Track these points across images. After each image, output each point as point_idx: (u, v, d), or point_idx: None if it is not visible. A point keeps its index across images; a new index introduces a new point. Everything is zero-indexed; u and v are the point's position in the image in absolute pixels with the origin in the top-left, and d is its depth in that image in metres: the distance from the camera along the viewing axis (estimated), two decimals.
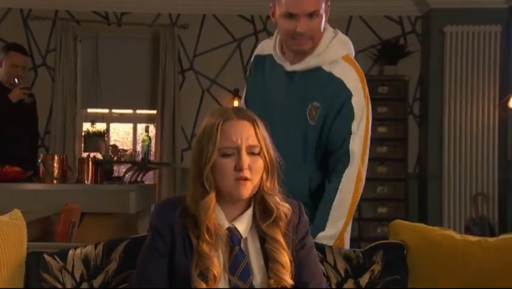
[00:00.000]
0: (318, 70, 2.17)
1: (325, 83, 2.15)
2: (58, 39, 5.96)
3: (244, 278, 1.57)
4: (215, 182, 1.56)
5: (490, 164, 5.75)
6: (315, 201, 2.15)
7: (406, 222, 2.02)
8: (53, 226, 3.21)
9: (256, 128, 1.58)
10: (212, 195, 1.56)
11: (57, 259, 1.79)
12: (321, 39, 2.17)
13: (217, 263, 1.54)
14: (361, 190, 2.16)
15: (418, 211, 6.02)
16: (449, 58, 5.81)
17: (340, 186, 2.11)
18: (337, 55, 2.18)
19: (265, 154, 1.57)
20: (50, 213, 3.35)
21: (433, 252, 1.89)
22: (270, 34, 6.10)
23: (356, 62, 2.22)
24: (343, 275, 1.87)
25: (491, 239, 1.93)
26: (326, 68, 2.17)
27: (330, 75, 2.15)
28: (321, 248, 1.88)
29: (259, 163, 1.57)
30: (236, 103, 5.85)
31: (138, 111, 6.49)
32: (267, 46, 2.32)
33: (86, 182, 3.98)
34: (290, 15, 2.12)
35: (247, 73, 2.46)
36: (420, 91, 6.10)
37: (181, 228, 1.57)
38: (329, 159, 2.17)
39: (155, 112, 6.12)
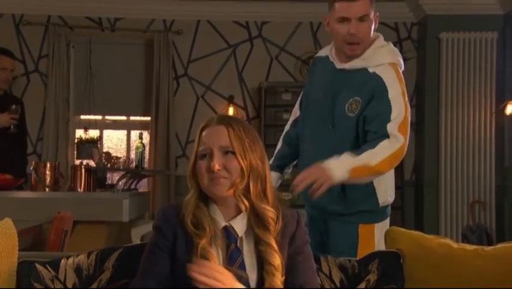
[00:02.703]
0: (363, 70, 2.40)
1: (367, 81, 2.37)
2: (50, 45, 5.93)
3: None
4: (197, 183, 1.66)
5: (487, 171, 5.74)
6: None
7: (402, 230, 2.01)
8: (45, 235, 3.19)
9: (230, 130, 1.63)
10: (193, 193, 1.66)
11: (49, 268, 1.78)
12: (371, 45, 2.40)
13: (216, 259, 1.59)
14: (395, 161, 2.32)
15: (415, 219, 6.01)
16: (445, 64, 5.82)
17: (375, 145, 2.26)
18: (383, 60, 2.39)
19: (242, 155, 1.62)
20: (42, 221, 3.35)
21: (429, 261, 1.88)
22: (265, 40, 6.20)
23: (400, 72, 2.41)
24: (338, 285, 1.85)
25: (488, 248, 1.92)
26: (371, 69, 2.38)
27: (373, 74, 2.37)
28: (316, 258, 1.84)
29: (235, 162, 1.62)
30: (231, 110, 5.83)
31: (131, 118, 6.45)
32: (324, 50, 2.59)
33: (79, 190, 3.97)
34: (343, 20, 2.35)
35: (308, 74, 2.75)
36: (416, 98, 6.09)
37: (183, 232, 1.63)
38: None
39: (149, 118, 6.09)
